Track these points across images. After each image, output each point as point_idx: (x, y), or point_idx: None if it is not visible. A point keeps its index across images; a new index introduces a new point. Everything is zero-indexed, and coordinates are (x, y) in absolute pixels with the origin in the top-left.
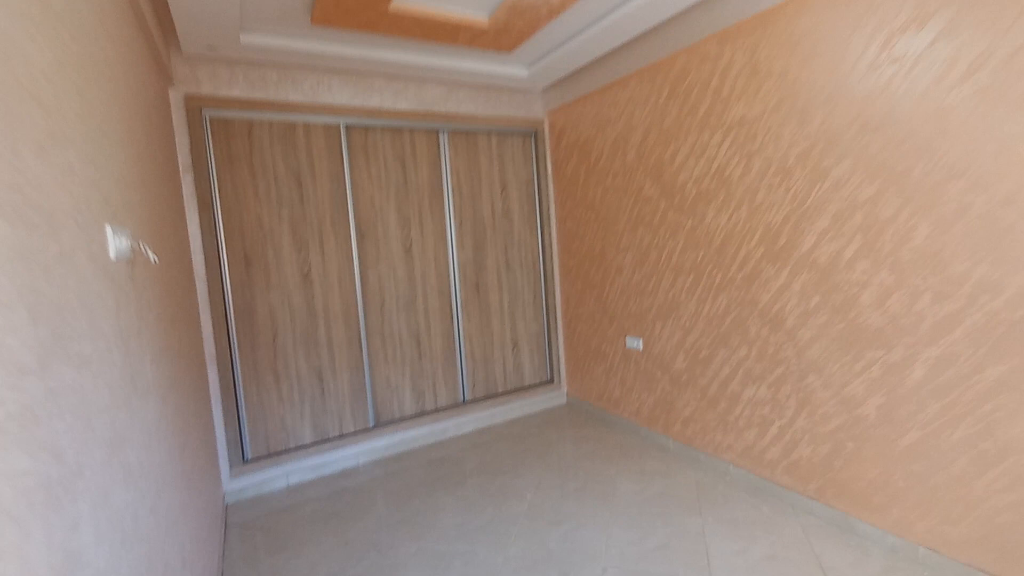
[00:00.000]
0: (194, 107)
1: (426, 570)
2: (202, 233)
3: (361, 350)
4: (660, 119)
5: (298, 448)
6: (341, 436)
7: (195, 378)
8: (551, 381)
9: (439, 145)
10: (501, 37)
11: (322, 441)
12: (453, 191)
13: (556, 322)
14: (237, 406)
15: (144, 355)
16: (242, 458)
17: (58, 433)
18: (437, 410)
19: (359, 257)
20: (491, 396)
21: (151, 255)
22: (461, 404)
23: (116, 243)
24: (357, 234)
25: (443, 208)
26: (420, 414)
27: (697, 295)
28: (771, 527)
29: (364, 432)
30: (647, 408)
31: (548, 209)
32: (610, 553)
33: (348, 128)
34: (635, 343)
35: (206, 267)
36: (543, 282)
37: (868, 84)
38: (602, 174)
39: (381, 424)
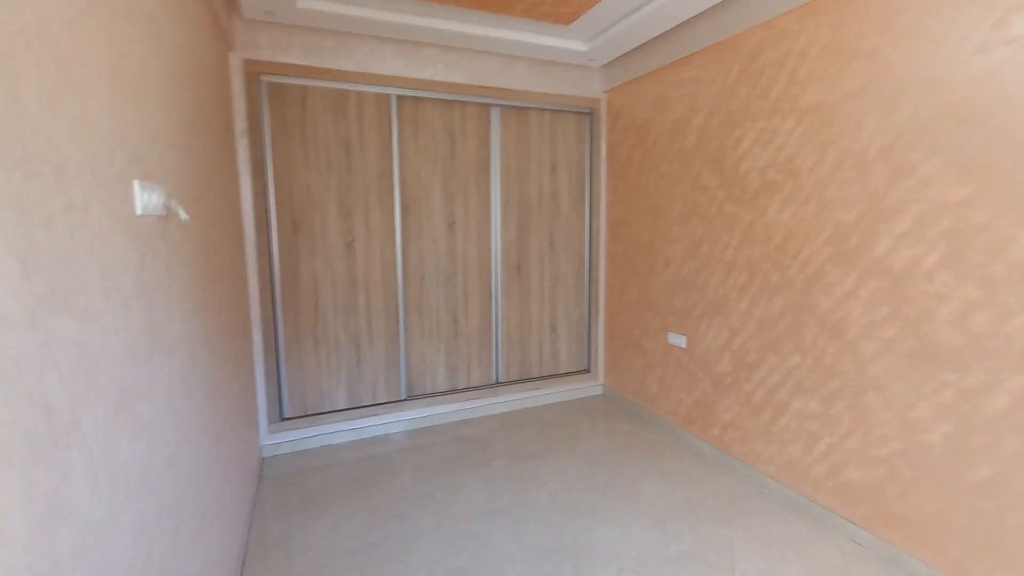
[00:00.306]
0: (252, 72)
1: (441, 547)
2: (254, 197)
3: (398, 323)
4: (726, 102)
5: (333, 412)
6: (374, 404)
7: (237, 337)
8: (587, 370)
9: (489, 120)
10: (560, 7)
11: (356, 407)
12: (501, 169)
13: (598, 311)
14: (278, 367)
15: (173, 311)
16: (280, 415)
17: (49, 387)
18: (469, 388)
19: (402, 231)
20: (525, 380)
21: (182, 213)
22: (494, 384)
23: (144, 199)
24: (401, 207)
25: (489, 186)
26: (452, 391)
27: (750, 295)
28: (807, 549)
29: (396, 403)
30: (685, 408)
31: (598, 193)
32: (629, 554)
33: (399, 99)
34: (678, 340)
35: (256, 231)
36: (587, 268)
37: (974, 69)
38: (658, 159)
39: (413, 397)
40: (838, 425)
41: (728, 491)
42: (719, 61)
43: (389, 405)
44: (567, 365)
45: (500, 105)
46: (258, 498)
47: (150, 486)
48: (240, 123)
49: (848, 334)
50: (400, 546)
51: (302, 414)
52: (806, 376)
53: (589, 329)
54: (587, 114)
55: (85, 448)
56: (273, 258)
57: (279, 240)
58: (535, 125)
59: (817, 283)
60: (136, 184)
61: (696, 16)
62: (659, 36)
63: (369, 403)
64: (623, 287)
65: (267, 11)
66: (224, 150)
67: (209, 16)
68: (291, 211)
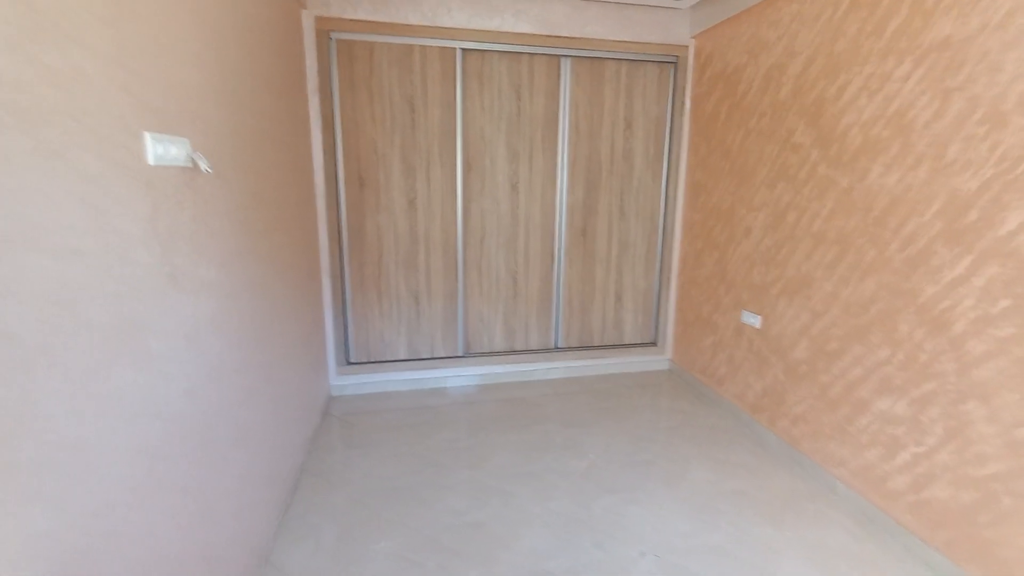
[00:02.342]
0: (323, 30)
1: (468, 499)
2: (324, 153)
3: (457, 280)
4: (831, 42)
5: (394, 361)
6: (432, 358)
7: (303, 284)
8: (654, 343)
9: (559, 73)
10: None
11: (415, 359)
12: (570, 126)
13: (669, 281)
14: (344, 314)
15: (201, 257)
16: (347, 360)
17: (10, 315)
18: (527, 351)
19: (463, 189)
20: (585, 347)
21: (203, 165)
22: (552, 350)
23: (159, 150)
24: (463, 165)
25: (556, 144)
26: (509, 351)
27: (838, 273)
28: (868, 567)
29: (453, 359)
30: (753, 394)
31: (678, 154)
32: (654, 538)
33: (464, 52)
34: (751, 319)
35: (325, 185)
36: (660, 236)
37: None
38: (746, 113)
39: (470, 354)
40: (928, 434)
41: (786, 489)
42: None
43: (447, 360)
44: (632, 336)
45: (571, 55)
46: (320, 432)
47: (157, 411)
48: (312, 80)
49: (953, 329)
50: (430, 492)
51: (366, 360)
52: (895, 373)
53: (658, 300)
54: (671, 63)
55: (60, 372)
56: (341, 212)
57: (346, 194)
58: (610, 77)
59: (921, 265)
60: (147, 135)
61: None
62: None
63: (427, 356)
64: (697, 258)
65: None
66: (293, 106)
67: None
68: (358, 166)
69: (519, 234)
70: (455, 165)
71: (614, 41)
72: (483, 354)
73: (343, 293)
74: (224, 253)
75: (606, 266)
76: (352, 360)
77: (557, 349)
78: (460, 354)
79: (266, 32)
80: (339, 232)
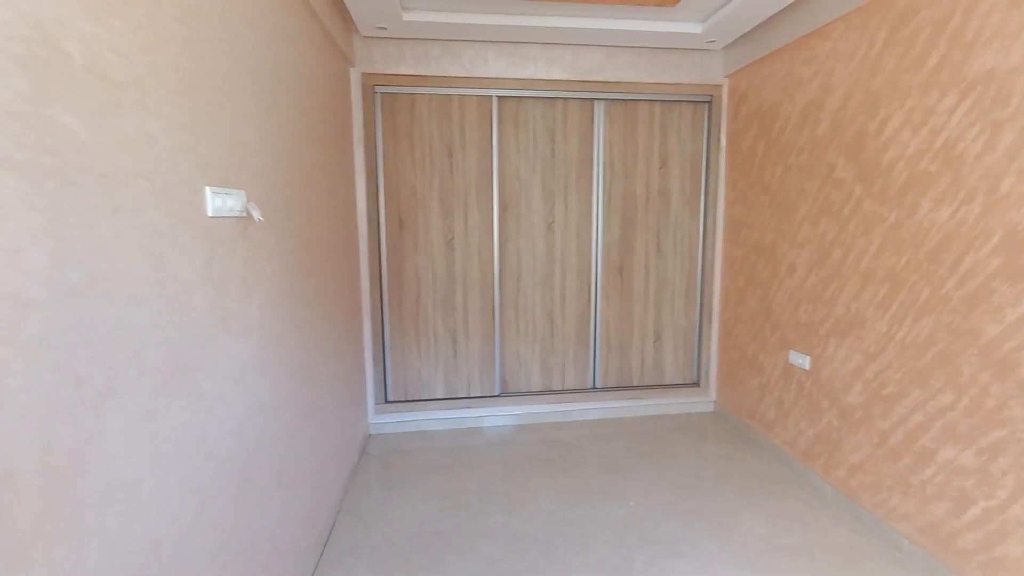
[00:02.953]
0: (368, 85)
1: (503, 547)
2: (367, 198)
3: (494, 320)
4: (868, 77)
5: (431, 400)
6: (469, 397)
7: (344, 324)
8: (696, 384)
9: (593, 116)
10: None
11: (451, 398)
12: (604, 166)
13: (711, 320)
14: (383, 353)
15: (251, 300)
16: (385, 398)
17: (80, 360)
18: (564, 391)
19: (499, 229)
20: (624, 388)
21: (256, 214)
22: (590, 390)
23: (217, 203)
24: (500, 206)
25: (591, 184)
26: (546, 391)
27: (891, 313)
28: None
29: (490, 398)
30: (805, 441)
31: (715, 190)
32: None
33: (500, 99)
34: (800, 360)
35: (368, 229)
36: (700, 273)
37: None
38: (784, 149)
39: (507, 394)
40: (999, 487)
41: (846, 546)
42: (862, 28)
43: (483, 399)
44: (673, 376)
45: (605, 99)
46: (357, 471)
47: (207, 451)
48: (358, 131)
49: (1021, 371)
50: (465, 538)
51: (403, 399)
52: (960, 420)
53: (700, 339)
54: (705, 103)
55: (122, 413)
56: (382, 253)
57: (387, 237)
58: (644, 118)
59: (981, 303)
60: (207, 190)
61: None
62: (788, 6)
63: (464, 395)
64: (740, 295)
65: (379, 27)
66: (340, 156)
67: (322, 36)
68: (398, 210)
69: (555, 273)
70: (491, 206)
71: (647, 83)
72: (520, 394)
73: (382, 333)
74: (271, 296)
75: (644, 304)
76: (390, 399)
77: (595, 389)
78: (496, 393)
79: (317, 91)
80: (380, 273)
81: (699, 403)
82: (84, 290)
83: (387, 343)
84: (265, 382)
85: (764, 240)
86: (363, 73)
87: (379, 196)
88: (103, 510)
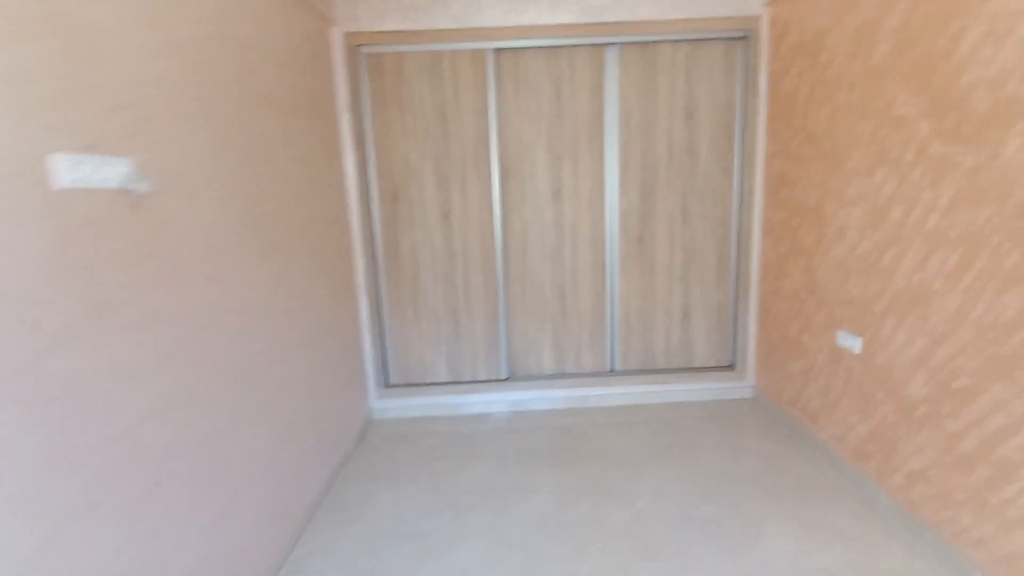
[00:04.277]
0: (352, 45)
1: (483, 553)
2: (357, 170)
3: (498, 298)
4: None
5: (434, 384)
6: (475, 382)
7: (332, 304)
8: (731, 367)
9: (604, 65)
10: None
11: (455, 382)
12: (619, 122)
13: (748, 294)
14: (382, 335)
15: (149, 288)
16: (386, 382)
17: None
18: (580, 375)
19: (501, 199)
20: (647, 371)
21: (139, 187)
22: (608, 373)
23: (75, 173)
24: (501, 173)
25: (603, 144)
26: (560, 375)
27: (965, 284)
28: None
29: (497, 382)
30: (856, 437)
31: (753, 142)
32: None
33: (497, 53)
34: (850, 342)
35: (359, 203)
36: (735, 241)
37: None
38: (833, 85)
39: (516, 378)
40: None
41: (900, 570)
42: None
43: (490, 384)
44: (704, 358)
45: (618, 43)
46: (350, 459)
47: (70, 463)
48: (343, 97)
49: None
50: (445, 541)
51: (405, 383)
52: None
53: (736, 317)
54: (740, 39)
55: None
56: (375, 228)
57: (380, 211)
58: (665, 63)
59: None
60: (55, 157)
61: None
62: None
63: (469, 379)
64: (781, 265)
65: None
66: (317, 124)
67: None
68: (391, 182)
69: (565, 245)
70: (491, 174)
71: (669, 21)
72: (530, 378)
73: (380, 313)
74: (191, 280)
75: (668, 278)
76: (391, 383)
77: (613, 373)
78: (504, 377)
79: (276, 51)
80: (373, 250)
81: (735, 388)
82: None
83: (386, 324)
84: (175, 378)
85: (808, 199)
86: (346, 32)
87: (368, 167)
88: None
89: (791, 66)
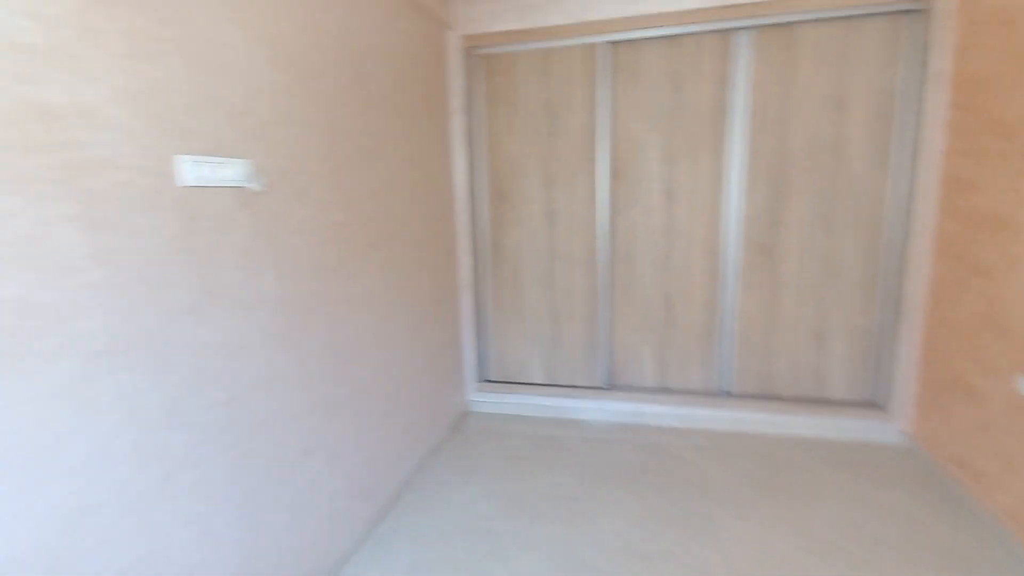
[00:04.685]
0: (468, 48)
1: (547, 567)
2: (467, 169)
3: (598, 302)
4: None
5: (530, 384)
6: (571, 387)
7: (435, 297)
8: (876, 404)
9: (731, 52)
10: None
11: (551, 385)
12: (747, 115)
13: (903, 319)
14: (483, 330)
15: (260, 272)
16: (483, 377)
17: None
18: (684, 392)
19: (608, 199)
20: (765, 397)
21: (254, 185)
22: (719, 395)
23: (198, 172)
24: (608, 172)
25: (727, 140)
26: (662, 390)
27: None
28: None
29: (594, 389)
30: None
31: (919, 138)
32: None
33: (611, 46)
34: None
35: (467, 201)
36: (890, 255)
37: None
38: None
39: (614, 387)
40: None
41: None
42: None
43: (586, 390)
44: (839, 390)
45: (751, 27)
46: (444, 447)
47: (178, 422)
48: (456, 99)
49: None
50: (514, 545)
51: (502, 379)
52: None
53: (885, 345)
54: (911, 12)
55: (48, 380)
56: (480, 226)
57: (486, 209)
58: (809, 46)
59: None
60: (181, 159)
61: None
62: None
63: (565, 383)
64: (955, 287)
65: None
66: (429, 125)
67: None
68: (498, 181)
69: (675, 251)
70: (598, 173)
71: None
72: (629, 389)
73: (482, 309)
74: (296, 268)
75: (800, 293)
76: (489, 378)
77: (725, 394)
78: (601, 385)
79: (393, 57)
80: (478, 247)
81: (878, 431)
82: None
83: (486, 320)
84: (278, 355)
85: (997, 208)
86: (462, 35)
87: (477, 166)
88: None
89: (980, 41)
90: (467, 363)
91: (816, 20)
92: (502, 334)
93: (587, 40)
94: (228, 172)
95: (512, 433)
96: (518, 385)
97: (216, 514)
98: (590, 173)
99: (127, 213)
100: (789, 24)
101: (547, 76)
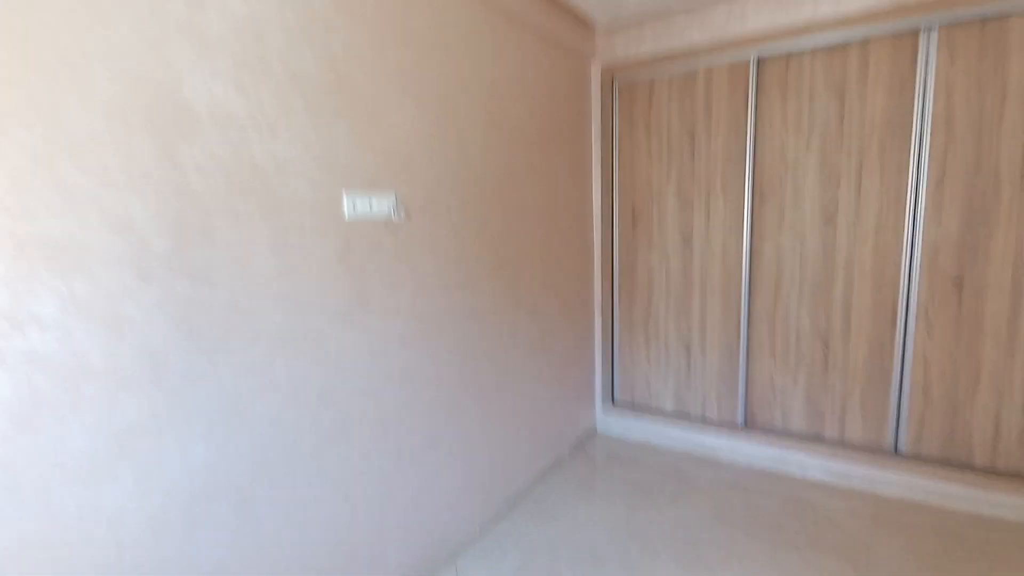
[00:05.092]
0: (608, 76)
1: None
2: (602, 192)
3: (739, 335)
4: None
5: (659, 412)
6: (703, 421)
7: (563, 317)
8: None
9: (916, 54)
10: None
11: (682, 416)
12: (934, 125)
13: None
14: (613, 352)
15: (399, 287)
16: (612, 399)
17: (195, 323)
18: (842, 445)
19: (752, 224)
20: (953, 464)
21: (397, 215)
22: (886, 452)
23: (356, 205)
24: (754, 195)
25: (905, 154)
26: (813, 438)
27: None
28: None
29: (730, 428)
30: None
31: None
32: None
33: (760, 61)
34: None
35: (602, 224)
36: None
37: None
38: None
39: (754, 427)
40: None
41: None
42: None
43: (721, 427)
44: None
45: (943, 24)
46: (564, 464)
47: (327, 403)
48: (596, 126)
49: None
50: (619, 575)
51: (630, 404)
52: None
53: None
54: None
55: (233, 361)
56: (615, 248)
57: (620, 231)
58: (1019, 40)
59: None
60: (345, 195)
61: None
62: None
63: (698, 416)
64: None
65: (613, 16)
66: (569, 151)
67: (545, 37)
68: (632, 204)
69: (836, 281)
70: (743, 195)
71: None
72: (772, 432)
73: (612, 331)
74: (429, 284)
75: (1003, 340)
76: (617, 401)
77: (896, 454)
78: (739, 424)
79: (534, 93)
80: (612, 269)
81: None
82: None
83: (616, 342)
84: (411, 357)
85: None
86: (603, 66)
87: (613, 189)
88: (274, 434)
89: None
90: (596, 384)
91: None
92: (633, 358)
93: (735, 56)
94: (378, 206)
95: (637, 460)
96: (646, 411)
97: (355, 483)
98: (732, 196)
99: (305, 239)
100: (990, 19)
101: (688, 98)
